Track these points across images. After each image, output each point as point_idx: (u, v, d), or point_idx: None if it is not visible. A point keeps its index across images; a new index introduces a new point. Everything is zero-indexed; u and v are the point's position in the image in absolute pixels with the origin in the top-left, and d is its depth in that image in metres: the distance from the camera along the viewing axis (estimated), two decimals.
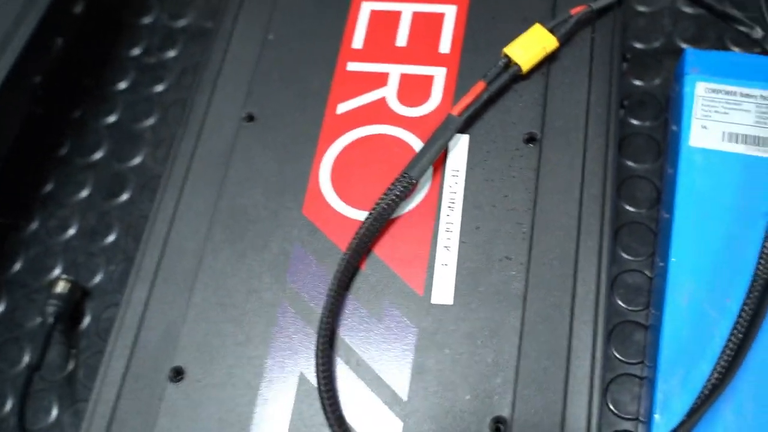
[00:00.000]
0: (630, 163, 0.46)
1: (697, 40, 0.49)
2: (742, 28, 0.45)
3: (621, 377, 0.41)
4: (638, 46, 0.50)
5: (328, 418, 0.34)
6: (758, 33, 0.44)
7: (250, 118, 0.42)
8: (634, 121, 0.47)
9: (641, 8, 0.51)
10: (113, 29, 0.57)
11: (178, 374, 0.36)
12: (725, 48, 0.48)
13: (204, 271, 0.38)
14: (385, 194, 0.37)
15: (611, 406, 0.40)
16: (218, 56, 0.44)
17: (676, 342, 0.37)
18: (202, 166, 0.41)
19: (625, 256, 0.44)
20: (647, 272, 0.43)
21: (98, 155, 0.53)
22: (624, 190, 0.45)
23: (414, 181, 0.37)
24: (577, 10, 0.40)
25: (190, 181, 0.41)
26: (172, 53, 0.56)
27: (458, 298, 0.36)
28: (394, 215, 0.38)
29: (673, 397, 0.36)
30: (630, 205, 0.45)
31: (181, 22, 0.57)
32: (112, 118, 0.54)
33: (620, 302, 0.43)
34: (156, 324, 0.38)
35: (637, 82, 0.49)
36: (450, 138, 0.38)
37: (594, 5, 0.41)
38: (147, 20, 0.57)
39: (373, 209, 0.37)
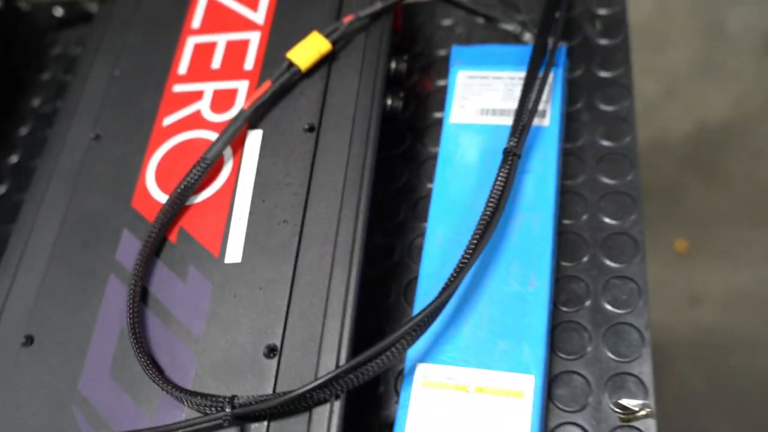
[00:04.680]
0: (431, 149, 0.54)
1: (485, 41, 0.58)
2: (507, 27, 0.53)
3: None
4: (441, 53, 0.59)
5: (138, 358, 0.42)
6: (517, 28, 0.53)
7: (97, 137, 0.51)
8: (436, 114, 0.56)
9: (446, 22, 0.60)
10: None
11: (28, 340, 0.45)
12: None
13: (55, 258, 0.47)
14: (187, 175, 0.46)
15: None
16: (77, 90, 0.54)
17: (430, 280, 0.45)
18: (57, 182, 0.50)
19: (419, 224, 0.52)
20: None
21: None
22: (423, 171, 0.53)
23: (209, 162, 0.46)
24: (347, 18, 0.50)
25: (49, 192, 0.50)
26: None
27: (246, 257, 0.44)
28: (201, 198, 0.47)
29: None
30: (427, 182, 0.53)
31: None
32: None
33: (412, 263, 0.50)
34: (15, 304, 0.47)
35: (441, 83, 0.57)
36: (241, 126, 0.48)
37: (360, 13, 0.50)
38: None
39: (177, 188, 0.46)
